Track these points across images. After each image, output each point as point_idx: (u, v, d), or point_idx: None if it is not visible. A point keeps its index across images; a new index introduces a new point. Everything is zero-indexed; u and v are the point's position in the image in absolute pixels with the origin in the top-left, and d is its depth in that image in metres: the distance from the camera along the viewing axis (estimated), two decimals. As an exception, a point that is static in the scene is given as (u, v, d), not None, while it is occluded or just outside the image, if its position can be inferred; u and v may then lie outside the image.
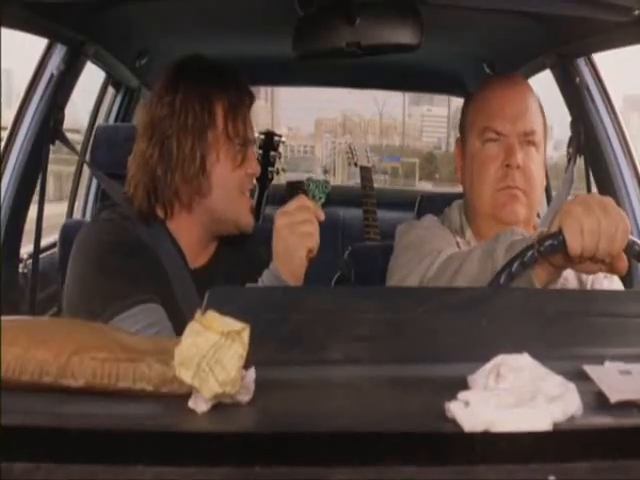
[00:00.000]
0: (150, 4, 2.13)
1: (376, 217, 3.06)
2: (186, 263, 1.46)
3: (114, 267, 1.36)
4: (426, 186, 16.96)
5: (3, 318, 0.66)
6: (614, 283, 1.50)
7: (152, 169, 1.41)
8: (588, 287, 1.49)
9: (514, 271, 1.11)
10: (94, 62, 2.38)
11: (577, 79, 2.12)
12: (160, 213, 1.45)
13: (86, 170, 2.73)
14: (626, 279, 1.59)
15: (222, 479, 0.52)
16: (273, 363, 0.71)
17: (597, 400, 0.63)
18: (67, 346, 0.64)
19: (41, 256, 2.13)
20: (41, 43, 2.05)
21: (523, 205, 1.49)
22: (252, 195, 2.82)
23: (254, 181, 1.51)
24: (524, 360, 0.61)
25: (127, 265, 1.37)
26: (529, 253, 1.11)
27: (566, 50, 2.07)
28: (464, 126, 1.60)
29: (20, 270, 2.12)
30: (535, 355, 0.62)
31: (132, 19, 2.19)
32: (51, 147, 2.07)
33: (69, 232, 1.76)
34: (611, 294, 1.20)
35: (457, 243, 1.53)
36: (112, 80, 2.89)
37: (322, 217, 1.32)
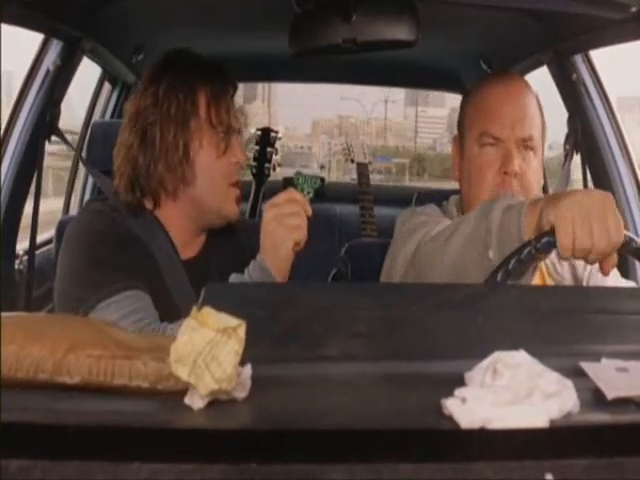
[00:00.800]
0: (147, 0, 2.13)
1: (373, 214, 3.06)
2: (177, 254, 1.46)
3: (103, 257, 1.37)
4: (416, 182, 18.16)
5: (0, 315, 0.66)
6: (610, 277, 1.49)
7: (134, 158, 1.42)
8: (584, 284, 1.49)
9: (511, 268, 1.11)
10: (90, 58, 2.38)
11: (574, 76, 2.12)
12: (148, 204, 1.46)
13: (81, 166, 2.72)
14: (623, 275, 1.59)
15: (218, 476, 0.52)
16: (269, 360, 0.70)
17: (594, 397, 0.63)
18: (63, 343, 0.64)
19: (37, 252, 2.13)
20: (37, 38, 2.04)
21: None
22: (248, 191, 2.84)
23: (240, 172, 1.51)
24: (521, 357, 0.61)
25: (116, 255, 1.37)
26: (526, 250, 1.11)
27: (563, 47, 2.07)
28: (462, 125, 1.59)
29: (16, 266, 2.11)
30: (532, 352, 0.62)
31: (129, 15, 2.18)
32: (53, 143, 2.07)
33: (65, 229, 1.75)
34: (608, 291, 1.20)
35: None
36: (108, 76, 2.89)
37: (310, 211, 1.33)
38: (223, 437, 0.55)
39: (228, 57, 1.70)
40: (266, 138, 3.08)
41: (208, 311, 0.60)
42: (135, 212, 1.45)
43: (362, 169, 3.26)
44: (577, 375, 0.65)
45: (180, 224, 1.47)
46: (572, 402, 0.58)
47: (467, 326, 0.81)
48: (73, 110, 2.95)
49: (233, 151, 1.46)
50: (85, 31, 2.07)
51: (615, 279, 1.51)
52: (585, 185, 2.18)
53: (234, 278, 1.35)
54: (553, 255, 1.24)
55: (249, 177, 2.93)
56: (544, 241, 1.11)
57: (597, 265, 1.15)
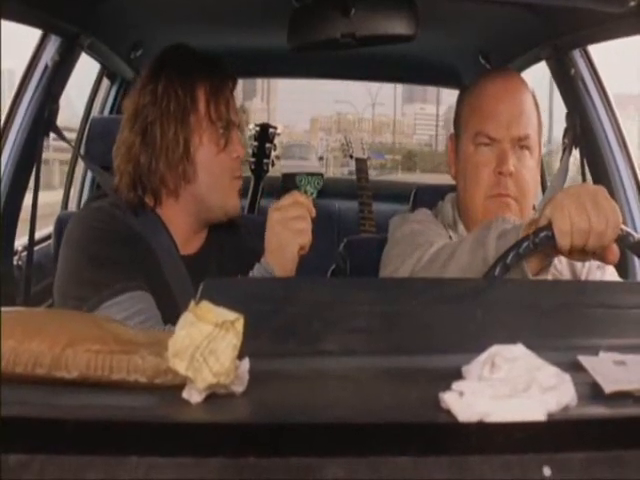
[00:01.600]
0: (145, -4, 2.13)
1: (371, 209, 3.06)
2: (177, 251, 1.46)
3: (104, 255, 1.36)
4: (409, 177, 18.78)
5: None
6: (607, 273, 1.49)
7: (136, 157, 1.42)
8: (582, 279, 1.49)
9: (509, 262, 1.11)
10: (89, 53, 2.37)
11: (572, 71, 2.11)
12: (149, 201, 1.46)
13: (81, 161, 2.72)
14: (621, 270, 1.59)
15: (216, 470, 0.52)
16: (268, 354, 0.71)
17: (592, 390, 0.63)
18: (61, 338, 0.64)
19: (35, 248, 2.13)
20: (35, 34, 2.04)
21: (514, 213, 1.47)
22: (247, 187, 2.84)
23: (241, 166, 1.51)
24: (519, 351, 0.61)
25: (117, 253, 1.37)
26: (524, 244, 1.11)
27: (562, 42, 2.06)
28: (457, 124, 1.58)
29: (15, 262, 2.11)
30: (530, 346, 0.62)
31: (127, 11, 2.18)
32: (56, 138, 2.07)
33: (64, 224, 1.75)
34: (605, 285, 1.20)
35: (450, 237, 1.52)
36: (107, 72, 2.89)
37: (314, 213, 1.32)
38: (221, 431, 0.55)
39: (227, 52, 1.69)
40: (265, 134, 3.08)
41: (206, 305, 0.60)
42: (137, 209, 1.45)
43: (361, 165, 3.26)
44: (575, 369, 0.65)
45: (181, 221, 1.46)
46: (570, 396, 0.58)
47: (466, 320, 0.81)
48: (71, 106, 2.95)
49: (233, 146, 1.45)
50: (84, 27, 2.06)
51: (613, 277, 1.51)
52: (584, 179, 2.18)
53: None
54: None
55: (248, 173, 2.93)
56: (542, 235, 1.11)
57: (595, 262, 1.16)
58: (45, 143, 2.12)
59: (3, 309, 0.68)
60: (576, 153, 2.17)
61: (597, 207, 1.11)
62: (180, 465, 0.52)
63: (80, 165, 2.83)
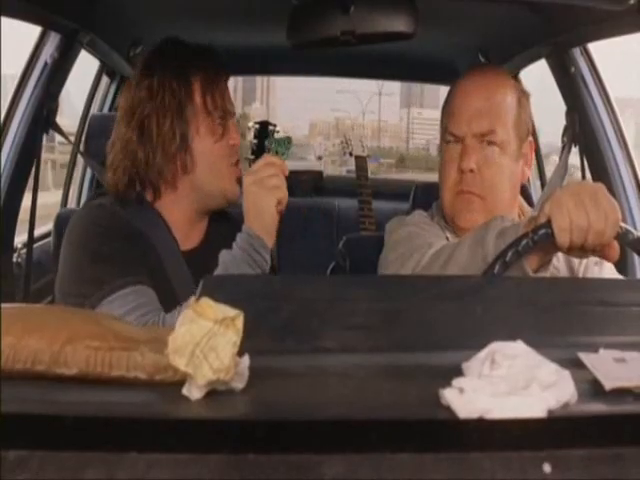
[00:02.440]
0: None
1: (371, 207, 3.06)
2: (177, 245, 1.47)
3: (105, 252, 1.37)
4: (402, 175, 19.74)
5: None
6: (604, 270, 1.49)
7: (133, 152, 1.43)
8: (580, 274, 1.49)
9: (508, 260, 1.11)
10: (88, 51, 2.37)
11: (572, 68, 2.11)
12: (148, 196, 1.46)
13: (80, 159, 2.72)
14: (620, 267, 1.59)
15: (215, 466, 0.52)
16: (268, 351, 0.70)
17: (592, 387, 0.63)
18: (61, 334, 0.64)
19: (35, 246, 2.13)
20: (34, 31, 2.04)
21: (478, 211, 1.46)
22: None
23: (238, 153, 1.52)
24: (519, 347, 0.61)
25: (118, 250, 1.37)
26: (523, 242, 1.11)
27: (561, 39, 2.06)
28: (441, 124, 1.57)
29: (14, 260, 2.11)
30: (530, 343, 0.62)
31: (127, 8, 2.18)
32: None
33: (63, 221, 1.75)
34: (605, 282, 1.20)
35: (447, 238, 1.52)
36: (106, 69, 2.88)
37: (287, 171, 1.37)
38: (221, 427, 0.55)
39: (226, 50, 1.69)
40: (264, 131, 3.08)
41: (206, 302, 0.60)
42: (135, 204, 1.45)
43: (361, 162, 3.25)
44: (575, 366, 0.65)
45: (181, 214, 1.47)
46: (570, 393, 0.58)
47: (465, 317, 0.81)
48: (71, 105, 2.95)
49: (230, 134, 1.47)
50: (83, 24, 2.06)
51: (611, 273, 1.51)
52: (583, 177, 2.18)
53: (224, 255, 1.36)
54: None
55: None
56: (541, 232, 1.11)
57: (593, 258, 1.16)
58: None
59: (3, 305, 0.68)
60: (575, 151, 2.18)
61: (596, 204, 1.11)
62: (180, 461, 0.51)
63: (79, 163, 2.83)
